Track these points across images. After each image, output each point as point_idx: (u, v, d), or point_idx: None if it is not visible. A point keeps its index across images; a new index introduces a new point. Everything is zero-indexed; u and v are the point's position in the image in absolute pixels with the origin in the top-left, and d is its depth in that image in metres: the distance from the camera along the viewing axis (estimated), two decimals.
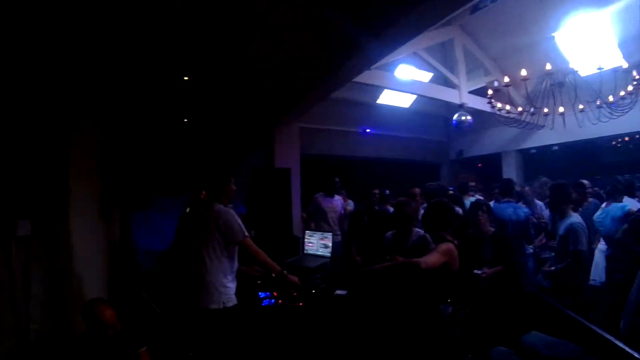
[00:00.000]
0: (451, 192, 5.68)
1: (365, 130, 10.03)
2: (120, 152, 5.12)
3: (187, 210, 3.21)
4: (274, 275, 3.17)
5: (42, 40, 3.05)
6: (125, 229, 5.55)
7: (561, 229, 3.79)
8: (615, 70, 5.03)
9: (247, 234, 3.06)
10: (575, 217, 3.77)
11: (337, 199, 6.16)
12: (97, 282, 3.91)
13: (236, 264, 3.12)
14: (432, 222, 3.15)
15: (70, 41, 3.25)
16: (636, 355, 1.64)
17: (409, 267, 2.69)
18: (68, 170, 3.29)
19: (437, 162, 11.72)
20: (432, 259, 2.75)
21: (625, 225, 4.07)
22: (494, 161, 10.37)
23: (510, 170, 9.72)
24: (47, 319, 3.02)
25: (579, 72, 5.43)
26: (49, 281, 3.08)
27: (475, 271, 3.45)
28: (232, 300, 3.00)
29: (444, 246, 2.88)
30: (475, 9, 7.45)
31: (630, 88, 5.21)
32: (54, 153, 3.18)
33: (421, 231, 3.73)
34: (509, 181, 5.51)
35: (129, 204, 5.61)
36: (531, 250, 4.99)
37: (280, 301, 3.25)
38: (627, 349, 1.65)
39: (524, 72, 5.10)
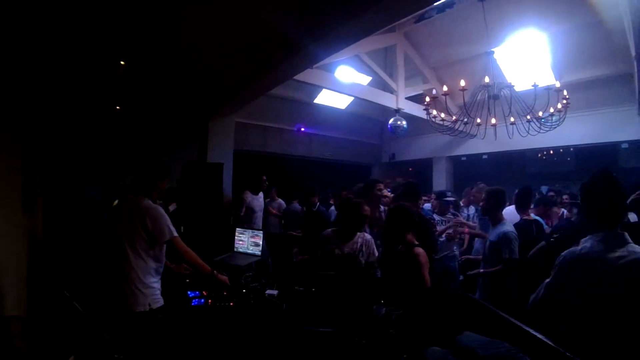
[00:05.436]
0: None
1: (300, 128, 9.94)
2: (48, 141, 4.69)
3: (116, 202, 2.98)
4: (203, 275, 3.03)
5: None
6: (49, 222, 5.06)
7: (493, 235, 3.80)
8: (549, 89, 5.32)
9: (175, 233, 2.87)
10: (508, 226, 3.78)
11: (261, 197, 6.13)
12: (16, 278, 3.49)
13: (163, 263, 2.94)
14: (395, 224, 3.31)
15: None
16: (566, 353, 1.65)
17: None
18: None
19: (369, 164, 11.91)
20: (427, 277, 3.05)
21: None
22: (425, 166, 10.74)
23: (440, 176, 10.14)
24: None
25: (514, 87, 5.66)
26: None
27: None
28: (159, 302, 2.84)
29: (423, 255, 3.09)
30: (420, 18, 7.63)
31: (559, 106, 5.57)
32: None
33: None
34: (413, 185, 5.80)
35: (54, 196, 5.15)
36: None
37: (210, 301, 3.08)
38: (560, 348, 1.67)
39: (462, 83, 5.19)
